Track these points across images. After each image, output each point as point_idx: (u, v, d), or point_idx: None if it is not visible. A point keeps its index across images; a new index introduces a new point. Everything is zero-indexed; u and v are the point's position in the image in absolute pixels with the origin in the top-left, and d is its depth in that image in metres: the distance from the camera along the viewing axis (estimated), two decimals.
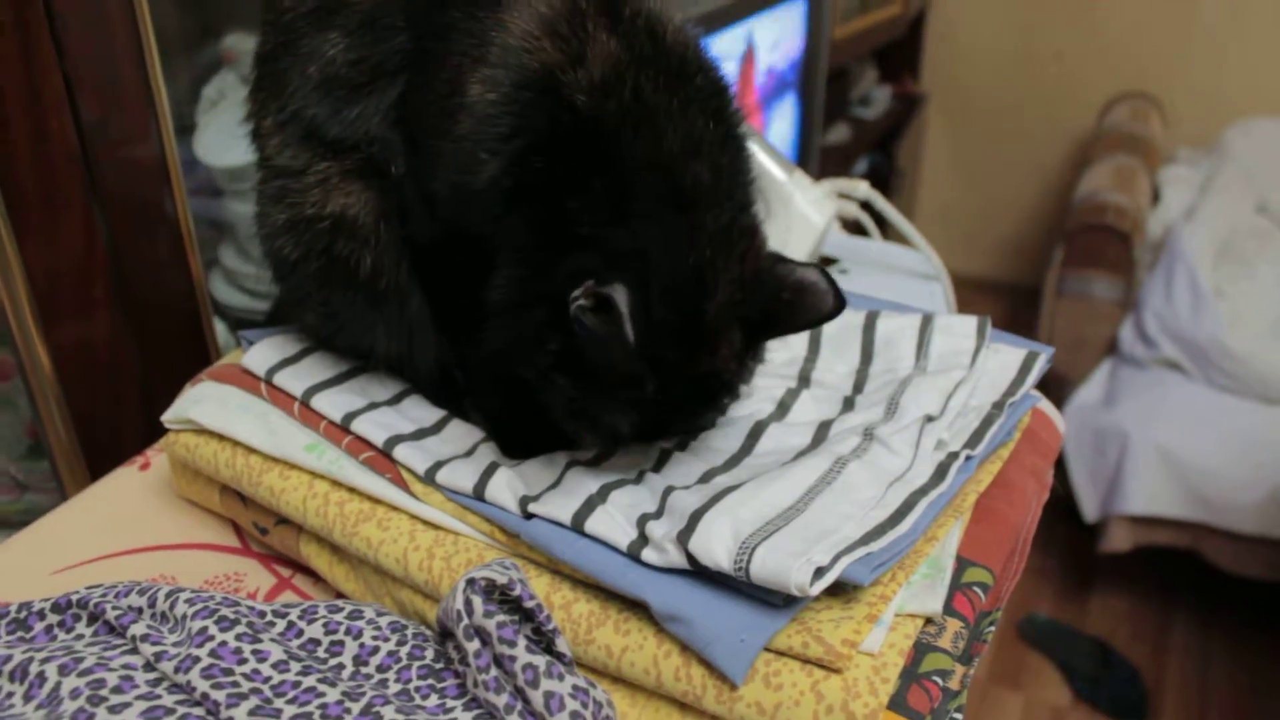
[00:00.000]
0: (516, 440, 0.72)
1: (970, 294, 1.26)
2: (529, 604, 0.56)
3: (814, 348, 0.81)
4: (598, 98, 0.63)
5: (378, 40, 0.69)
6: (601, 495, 0.64)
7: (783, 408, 0.76)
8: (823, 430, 0.72)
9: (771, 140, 1.60)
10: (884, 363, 0.78)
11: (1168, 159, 2.87)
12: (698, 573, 0.59)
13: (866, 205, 1.20)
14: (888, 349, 0.79)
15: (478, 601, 0.54)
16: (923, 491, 0.63)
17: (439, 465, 0.69)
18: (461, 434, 0.74)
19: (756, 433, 0.73)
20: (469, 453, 0.71)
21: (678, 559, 0.58)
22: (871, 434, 0.68)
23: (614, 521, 0.62)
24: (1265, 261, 2.40)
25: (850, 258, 1.27)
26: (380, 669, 0.58)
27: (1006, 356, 0.77)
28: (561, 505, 0.63)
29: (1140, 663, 2.21)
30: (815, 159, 2.12)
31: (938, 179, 3.39)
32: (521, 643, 0.54)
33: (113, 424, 1.05)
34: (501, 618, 0.54)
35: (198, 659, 0.55)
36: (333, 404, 0.74)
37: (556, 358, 0.63)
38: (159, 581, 0.65)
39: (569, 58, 0.63)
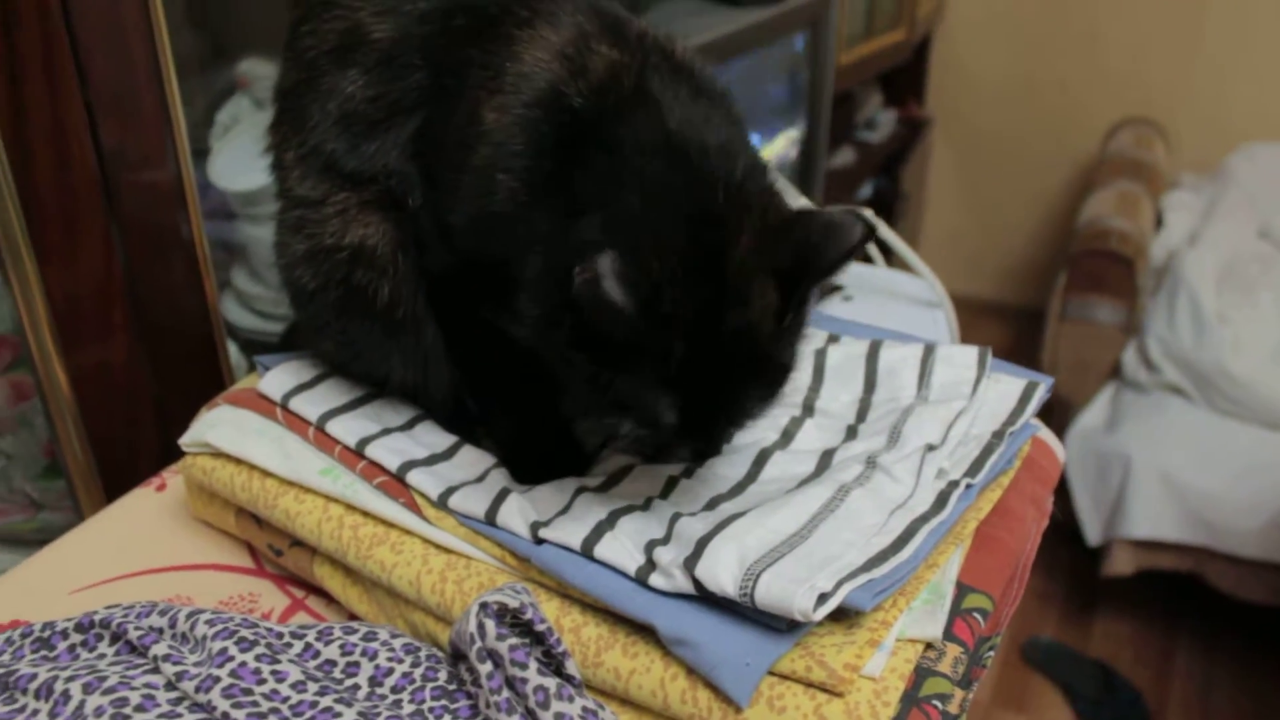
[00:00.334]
0: (528, 466, 0.73)
1: (973, 317, 1.28)
2: (540, 627, 0.57)
3: (818, 377, 0.82)
4: (595, 97, 0.65)
5: (395, 77, 0.71)
6: (610, 521, 0.66)
7: (787, 436, 0.77)
8: (826, 458, 0.74)
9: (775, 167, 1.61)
10: (886, 392, 0.80)
11: (1171, 185, 2.89)
12: (704, 598, 0.60)
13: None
14: (890, 378, 0.81)
15: (490, 625, 0.56)
16: (924, 519, 0.65)
17: (451, 490, 0.70)
18: (473, 460, 0.75)
19: (761, 460, 0.75)
20: (480, 478, 0.73)
21: (685, 584, 0.60)
22: (874, 462, 0.70)
23: (623, 547, 0.63)
24: (1268, 287, 2.41)
25: (854, 284, 1.29)
26: (395, 690, 0.60)
27: (1007, 386, 0.79)
28: (572, 531, 0.65)
29: (1143, 686, 2.21)
30: (820, 183, 2.14)
31: (942, 203, 3.41)
32: (533, 665, 0.55)
33: (128, 445, 1.06)
34: (513, 641, 0.56)
35: (218, 679, 0.56)
36: (347, 429, 0.76)
37: (571, 333, 0.61)
38: (175, 602, 0.67)
39: (572, 73, 0.66)
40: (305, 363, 0.84)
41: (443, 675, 0.61)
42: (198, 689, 0.56)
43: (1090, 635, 2.36)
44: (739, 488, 0.72)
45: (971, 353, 0.81)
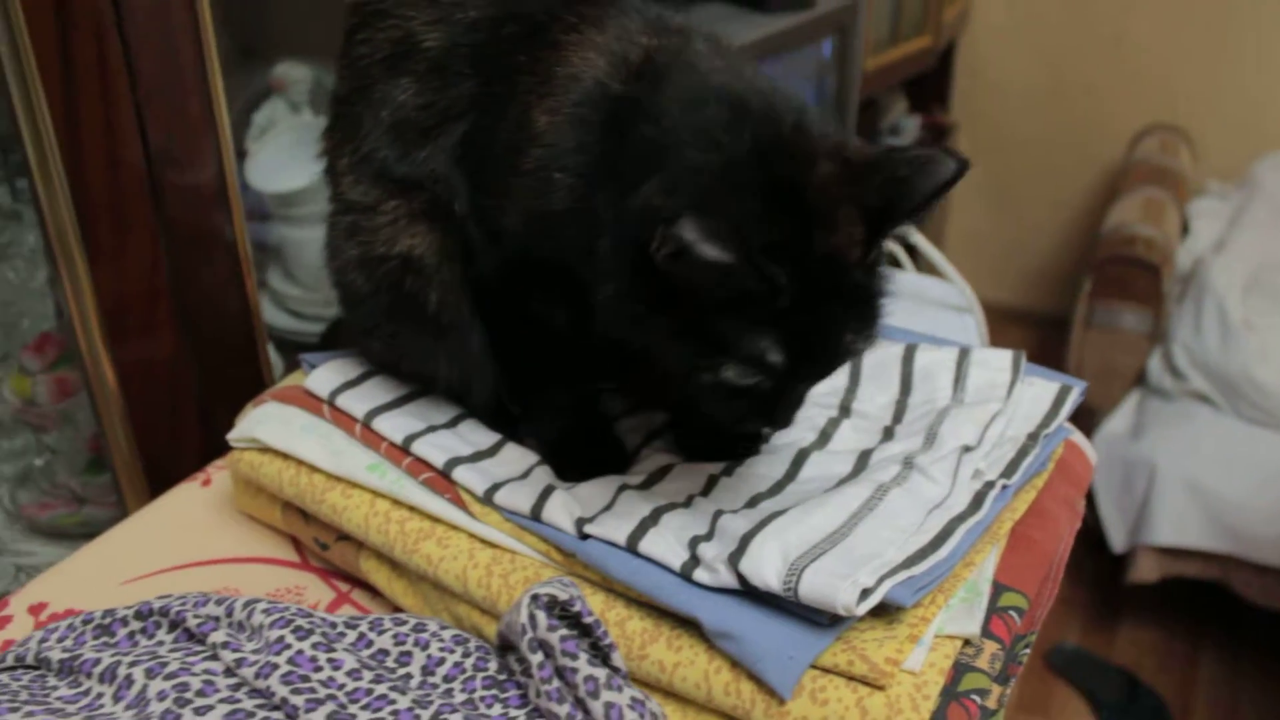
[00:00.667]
0: (570, 464, 0.75)
1: (998, 323, 1.28)
2: (588, 620, 0.59)
3: (854, 379, 0.84)
4: (633, 80, 0.66)
5: (446, 85, 0.73)
6: (654, 518, 0.67)
7: (824, 436, 0.79)
8: (864, 459, 0.75)
9: None
10: (922, 394, 0.81)
11: (1197, 191, 2.88)
12: (747, 592, 0.62)
13: (900, 237, 1.23)
14: (926, 381, 0.82)
15: (541, 616, 0.58)
16: (961, 518, 0.66)
17: (497, 487, 0.72)
18: (517, 457, 0.77)
19: (800, 460, 0.76)
20: (524, 475, 0.75)
21: (729, 579, 0.61)
22: (911, 463, 0.71)
23: (667, 543, 0.65)
24: None
25: None
26: (446, 679, 0.62)
27: (1040, 390, 0.80)
28: (616, 526, 0.67)
29: (1167, 694, 2.21)
30: None
31: (966, 208, 3.41)
32: (583, 656, 0.57)
33: (171, 440, 1.08)
34: (564, 632, 0.57)
35: (276, 665, 0.58)
36: (394, 426, 0.78)
37: (653, 301, 0.60)
38: (224, 593, 0.69)
39: (613, 65, 0.68)
40: (350, 361, 0.86)
41: (493, 665, 0.63)
42: (256, 675, 0.58)
43: (1114, 642, 2.36)
44: (778, 486, 0.73)
45: (1006, 356, 0.82)
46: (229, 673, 0.59)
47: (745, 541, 0.63)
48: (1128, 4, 2.97)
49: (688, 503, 0.71)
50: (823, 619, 0.59)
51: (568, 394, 0.77)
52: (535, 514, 0.70)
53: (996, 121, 3.30)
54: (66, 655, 0.62)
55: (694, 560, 0.63)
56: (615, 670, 0.59)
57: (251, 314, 1.13)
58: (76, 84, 0.90)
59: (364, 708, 0.57)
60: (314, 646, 0.60)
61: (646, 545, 0.65)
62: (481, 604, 0.69)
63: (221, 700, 0.57)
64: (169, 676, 0.58)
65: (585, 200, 0.66)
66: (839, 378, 0.83)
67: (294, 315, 1.50)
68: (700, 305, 0.59)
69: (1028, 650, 0.68)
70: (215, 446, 0.97)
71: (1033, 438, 0.75)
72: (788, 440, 0.78)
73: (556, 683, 0.57)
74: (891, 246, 0.65)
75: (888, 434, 0.78)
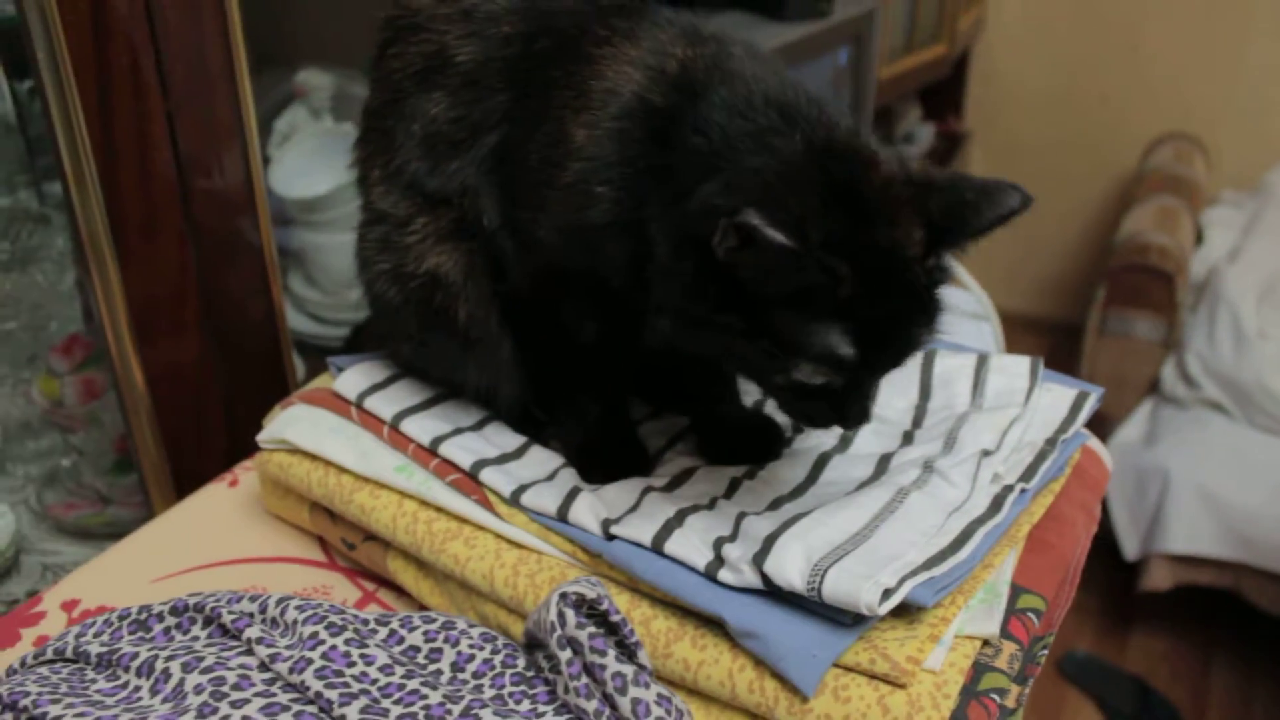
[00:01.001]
0: (595, 467, 0.76)
1: (1012, 331, 1.29)
2: (615, 618, 0.60)
3: None
4: (675, 93, 0.67)
5: (478, 99, 0.74)
6: (679, 519, 0.69)
7: (845, 440, 0.80)
8: (884, 462, 0.76)
9: None
10: (941, 399, 0.82)
11: (1211, 200, 2.88)
12: (771, 592, 0.63)
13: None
14: (945, 386, 0.83)
15: (570, 614, 0.59)
16: (980, 521, 0.67)
17: (523, 488, 0.73)
18: (542, 459, 0.78)
19: (821, 464, 0.77)
20: (550, 477, 0.76)
21: (753, 579, 0.63)
22: (931, 466, 0.72)
23: (691, 544, 0.66)
24: None
25: None
26: (476, 675, 0.63)
27: (1058, 396, 0.81)
28: (642, 528, 0.68)
29: (1179, 702, 2.21)
30: None
31: None
32: (611, 653, 0.58)
33: (197, 442, 1.10)
34: (592, 629, 0.59)
35: (310, 660, 0.59)
36: (421, 428, 0.79)
37: (717, 300, 0.61)
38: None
39: (652, 79, 0.68)
40: (378, 364, 0.87)
41: (521, 662, 0.64)
42: (291, 670, 0.59)
43: (1126, 650, 2.36)
44: (800, 489, 0.75)
45: (1024, 362, 0.83)
46: (264, 667, 0.61)
47: (769, 542, 0.64)
48: (1143, 13, 2.98)
49: (711, 505, 0.72)
50: (845, 619, 0.61)
51: (595, 400, 0.78)
52: (562, 515, 0.71)
53: (1010, 130, 3.31)
54: (104, 649, 0.63)
55: (718, 560, 0.65)
56: (642, 668, 0.60)
57: (276, 318, 1.15)
58: (111, 92, 0.92)
59: (396, 702, 0.58)
60: (347, 642, 0.61)
61: (672, 546, 0.66)
62: (508, 603, 0.71)
63: (257, 694, 0.58)
64: (205, 671, 0.59)
65: (630, 213, 0.67)
66: None
67: (315, 320, 1.52)
68: (766, 300, 0.59)
69: (1045, 651, 0.69)
70: (240, 448, 0.99)
71: (1050, 443, 0.76)
72: (809, 444, 0.79)
73: (585, 679, 0.58)
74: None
75: (908, 438, 0.79)
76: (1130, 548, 2.30)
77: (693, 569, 0.65)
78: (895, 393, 0.84)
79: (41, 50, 0.87)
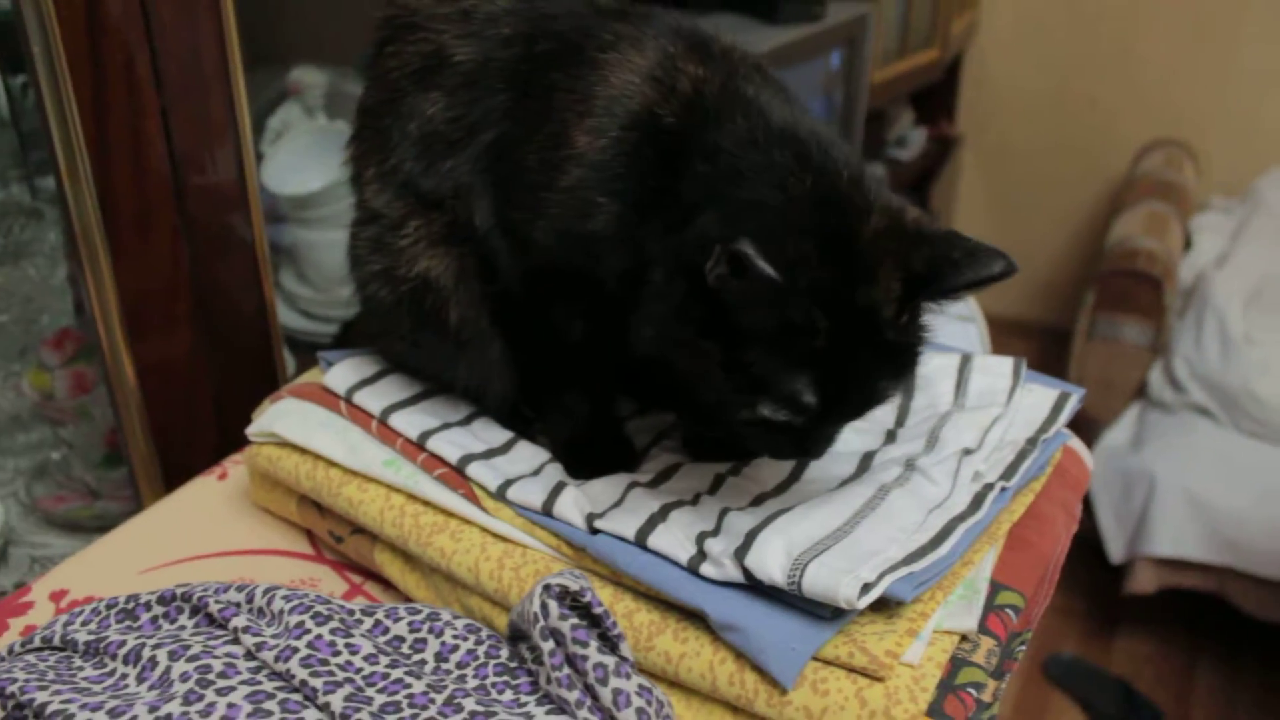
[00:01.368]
0: (582, 463, 0.77)
1: (1001, 334, 1.30)
2: (597, 610, 0.61)
3: None
4: (685, 114, 0.68)
5: (476, 100, 0.74)
6: (663, 514, 0.69)
7: None
8: (866, 460, 0.77)
9: None
10: (924, 399, 0.83)
11: (1200, 206, 2.90)
12: (752, 586, 0.64)
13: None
14: (928, 386, 0.84)
15: (553, 605, 0.60)
16: (960, 518, 0.68)
17: (509, 483, 0.74)
18: (529, 455, 0.79)
19: (804, 461, 0.78)
20: (536, 472, 0.77)
21: (734, 573, 0.64)
22: (913, 464, 0.73)
23: (675, 538, 0.67)
24: None
25: None
26: (459, 665, 0.64)
27: (1040, 396, 0.82)
28: (625, 522, 0.69)
29: (1164, 705, 2.22)
30: None
31: (971, 220, 3.43)
32: (593, 644, 0.59)
33: (187, 436, 1.11)
34: (575, 621, 0.59)
35: (296, 649, 0.60)
36: (409, 423, 0.80)
37: (701, 325, 0.62)
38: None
39: (663, 95, 0.69)
40: (367, 359, 0.88)
41: (504, 653, 0.65)
42: (277, 659, 0.60)
43: (1111, 653, 2.37)
44: (782, 486, 0.75)
45: (1007, 363, 0.84)
46: (249, 656, 0.61)
47: (751, 537, 0.65)
48: (1134, 19, 3.00)
49: (695, 500, 0.73)
50: (825, 613, 0.61)
51: (583, 397, 0.79)
52: (547, 509, 0.72)
53: (1002, 134, 3.33)
54: (92, 637, 0.64)
55: (701, 555, 0.66)
56: (623, 659, 0.60)
57: (268, 313, 1.16)
58: (105, 87, 0.92)
59: (380, 690, 0.59)
60: (332, 632, 0.62)
61: (655, 540, 0.67)
62: (493, 596, 0.71)
63: (242, 682, 0.59)
64: (191, 659, 0.60)
65: (630, 228, 0.68)
66: None
67: (306, 316, 1.52)
68: (745, 335, 0.61)
69: (1023, 647, 0.70)
70: (229, 442, 0.99)
71: (1031, 442, 0.77)
72: None
73: (567, 670, 0.59)
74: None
75: (890, 437, 0.80)
76: (1116, 551, 2.31)
77: (675, 563, 0.66)
78: None
79: (36, 45, 0.87)
